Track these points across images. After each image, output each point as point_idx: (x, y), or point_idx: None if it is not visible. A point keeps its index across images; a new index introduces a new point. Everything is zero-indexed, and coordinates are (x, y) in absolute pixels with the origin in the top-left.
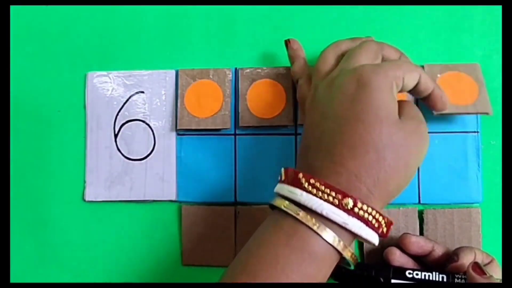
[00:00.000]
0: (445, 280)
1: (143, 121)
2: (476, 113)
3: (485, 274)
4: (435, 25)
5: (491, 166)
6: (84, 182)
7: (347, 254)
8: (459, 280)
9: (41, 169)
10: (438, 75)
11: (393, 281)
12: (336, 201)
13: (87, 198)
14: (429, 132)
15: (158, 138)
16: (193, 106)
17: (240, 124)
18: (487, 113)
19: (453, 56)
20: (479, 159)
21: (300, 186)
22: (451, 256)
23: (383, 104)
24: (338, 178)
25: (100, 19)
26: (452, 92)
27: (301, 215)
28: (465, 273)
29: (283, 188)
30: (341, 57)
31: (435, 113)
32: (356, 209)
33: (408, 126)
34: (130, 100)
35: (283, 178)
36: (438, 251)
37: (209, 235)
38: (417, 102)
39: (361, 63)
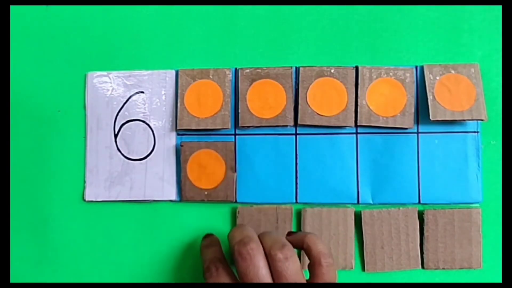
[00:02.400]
0: None
1: (143, 121)
2: (472, 120)
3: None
4: (435, 25)
5: (491, 166)
6: (84, 182)
7: None
8: None
9: (41, 169)
10: (437, 78)
11: None
12: None
13: (87, 198)
14: (429, 132)
15: (158, 138)
16: (193, 106)
17: (240, 124)
18: (482, 120)
19: (453, 56)
20: (479, 159)
21: None
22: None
23: None
24: None
25: (100, 19)
26: (450, 96)
27: None
28: None
29: None
30: None
31: (431, 119)
32: None
33: None
34: (130, 100)
35: None
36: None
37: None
38: (417, 103)
39: None
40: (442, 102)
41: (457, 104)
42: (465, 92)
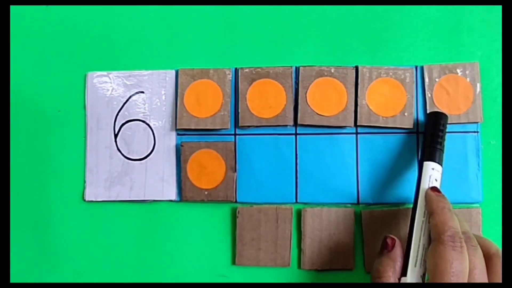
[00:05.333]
0: None
1: (143, 121)
2: (468, 123)
3: (440, 193)
4: (435, 25)
5: (491, 166)
6: (84, 182)
7: None
8: None
9: (41, 169)
10: (436, 79)
11: None
12: None
13: (87, 198)
14: None
15: (158, 138)
16: (192, 106)
17: (240, 124)
18: (477, 122)
19: (453, 56)
20: (479, 159)
21: None
22: None
23: None
24: None
25: (100, 19)
26: (448, 99)
27: None
28: None
29: None
30: None
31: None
32: None
33: None
34: (130, 100)
35: None
36: None
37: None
38: (417, 103)
39: None
40: (440, 106)
41: (455, 107)
42: (463, 94)
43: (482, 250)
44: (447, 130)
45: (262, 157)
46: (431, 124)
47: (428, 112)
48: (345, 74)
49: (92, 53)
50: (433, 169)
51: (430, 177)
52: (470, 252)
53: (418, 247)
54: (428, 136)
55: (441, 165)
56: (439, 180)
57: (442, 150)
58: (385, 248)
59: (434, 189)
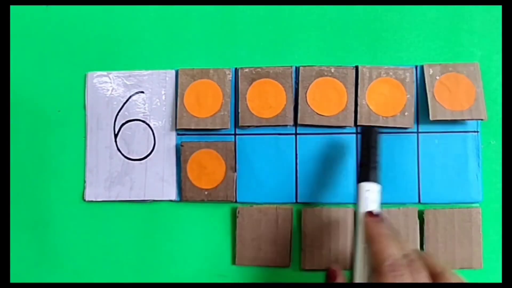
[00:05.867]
0: None
1: (143, 121)
2: (471, 119)
3: (378, 217)
4: (435, 25)
5: (491, 166)
6: (84, 182)
7: None
8: None
9: (41, 169)
10: (437, 77)
11: None
12: None
13: (87, 198)
14: (429, 132)
15: (158, 138)
16: (192, 106)
17: (240, 124)
18: (481, 119)
19: (453, 56)
20: (479, 159)
21: None
22: None
23: None
24: None
25: (100, 19)
26: (450, 96)
27: None
28: None
29: None
30: None
31: (431, 118)
32: None
33: None
34: (130, 100)
35: None
36: None
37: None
38: (417, 103)
39: None
40: (442, 102)
41: (457, 103)
42: (465, 92)
43: (429, 270)
44: (382, 142)
45: (262, 157)
46: (363, 141)
47: (360, 127)
48: (345, 74)
49: (92, 53)
50: (368, 190)
51: (366, 199)
52: (414, 277)
53: (363, 274)
54: (362, 154)
55: (378, 182)
56: (376, 200)
57: (376, 168)
58: (329, 279)
59: (369, 214)
